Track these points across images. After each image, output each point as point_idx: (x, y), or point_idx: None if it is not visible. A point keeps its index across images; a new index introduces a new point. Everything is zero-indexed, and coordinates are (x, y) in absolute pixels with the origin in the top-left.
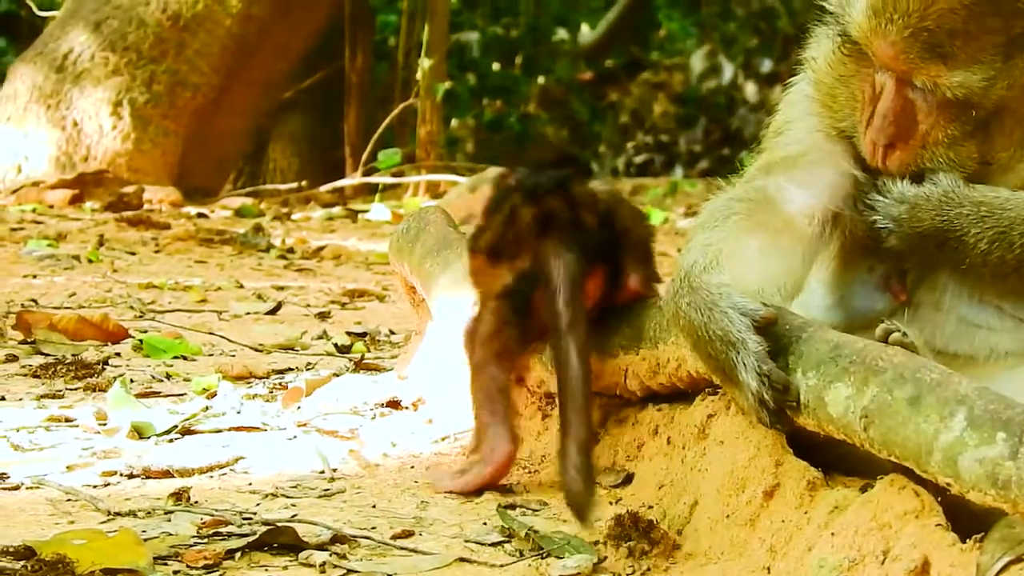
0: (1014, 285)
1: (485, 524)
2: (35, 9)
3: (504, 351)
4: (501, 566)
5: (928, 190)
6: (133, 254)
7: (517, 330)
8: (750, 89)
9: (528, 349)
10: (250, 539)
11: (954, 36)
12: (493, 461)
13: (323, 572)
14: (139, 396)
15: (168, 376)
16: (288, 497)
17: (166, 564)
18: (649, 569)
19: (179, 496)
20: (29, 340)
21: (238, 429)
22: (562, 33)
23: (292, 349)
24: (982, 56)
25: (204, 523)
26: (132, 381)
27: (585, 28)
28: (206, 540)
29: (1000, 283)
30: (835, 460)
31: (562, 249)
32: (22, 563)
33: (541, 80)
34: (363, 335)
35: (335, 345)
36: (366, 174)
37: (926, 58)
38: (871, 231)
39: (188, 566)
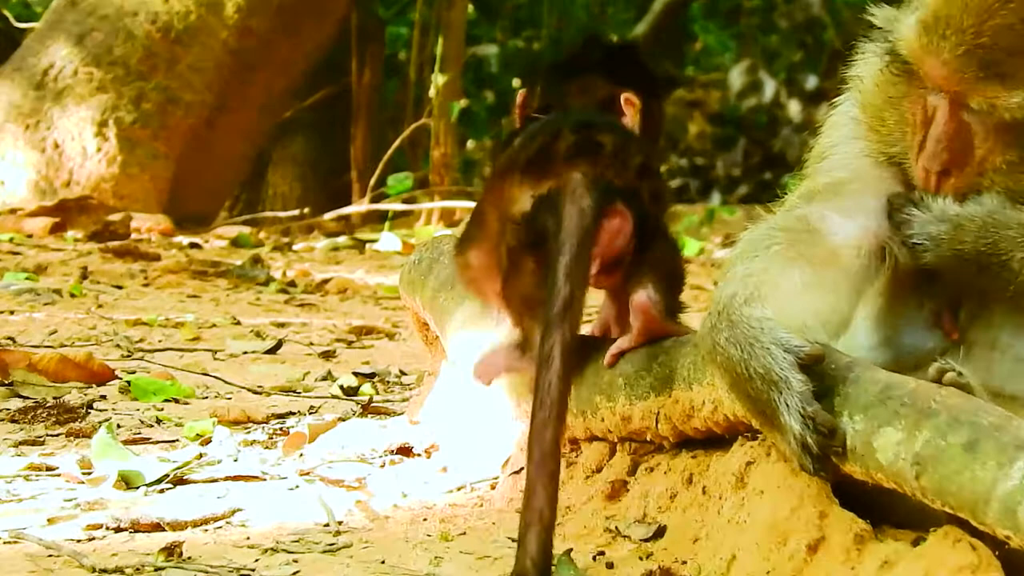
0: None
1: None
2: (12, 21)
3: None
4: None
5: (972, 210)
6: (120, 288)
7: (532, 268)
8: (793, 108)
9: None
10: None
11: (1012, 54)
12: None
13: None
14: (127, 443)
15: (158, 421)
16: (289, 552)
17: None
18: None
19: (171, 551)
20: (6, 382)
21: (235, 478)
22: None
23: (294, 391)
24: None
25: None
26: (119, 426)
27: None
28: None
29: None
30: (884, 511)
31: (583, 188)
32: None
33: None
34: (371, 376)
35: (341, 387)
36: (374, 200)
37: (982, 78)
38: (905, 248)
39: None
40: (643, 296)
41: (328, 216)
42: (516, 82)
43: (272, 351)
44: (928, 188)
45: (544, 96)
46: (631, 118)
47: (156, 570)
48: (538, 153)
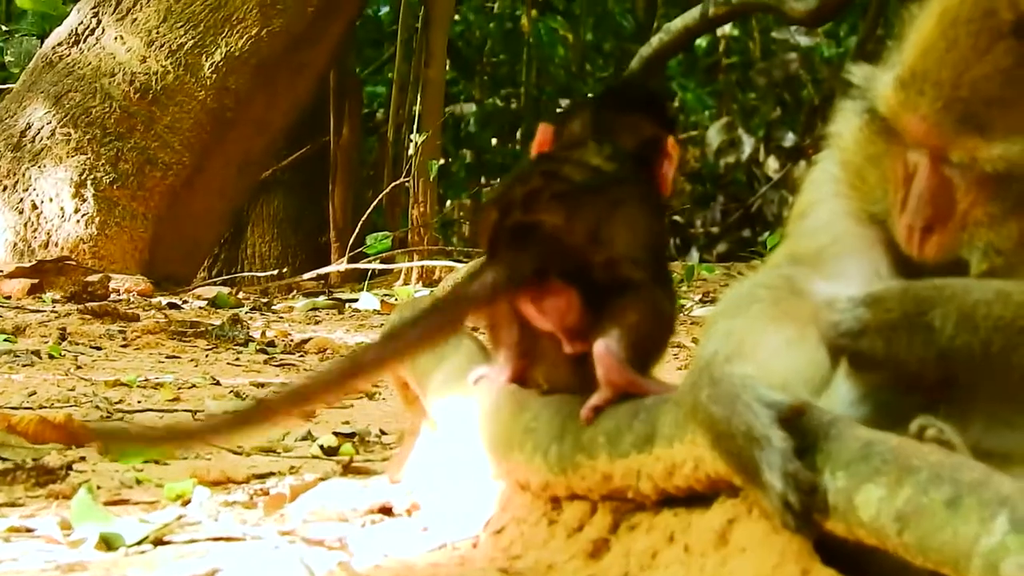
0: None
1: None
2: None
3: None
4: None
5: (887, 284)
6: (99, 349)
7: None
8: (772, 164)
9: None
10: None
11: (990, 105)
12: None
13: None
14: (107, 504)
15: (138, 482)
16: None
17: None
18: None
19: None
20: None
21: (216, 539)
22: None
23: (274, 451)
24: (1022, 125)
25: None
26: (99, 487)
27: None
28: None
29: (972, 379)
30: (867, 567)
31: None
32: None
33: None
34: (351, 436)
35: (321, 447)
36: (353, 260)
37: (962, 131)
38: (839, 345)
39: None
40: (601, 346)
41: (307, 276)
42: (494, 140)
43: None
44: (911, 245)
45: (588, 129)
46: (671, 163)
47: None
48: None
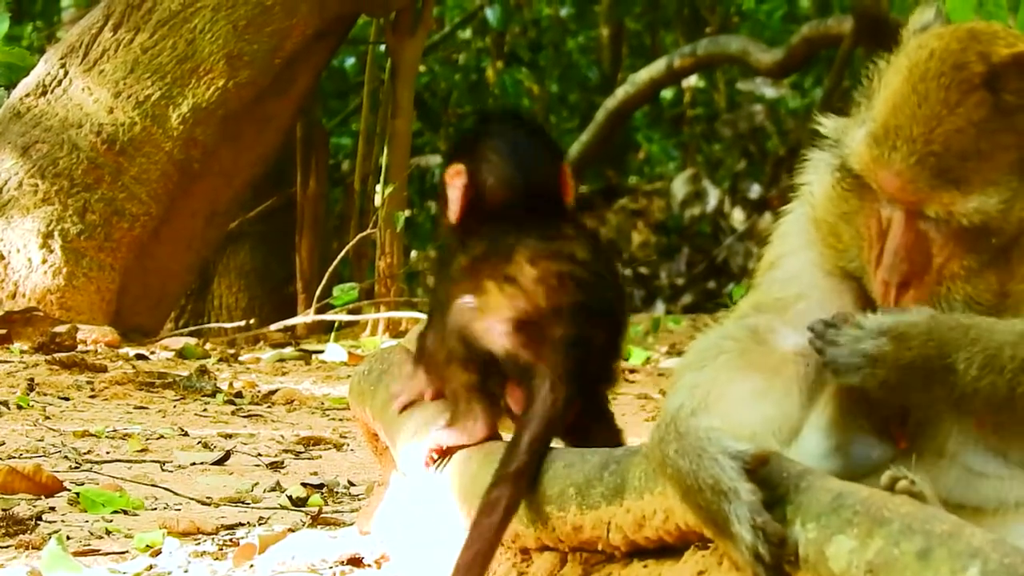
0: (1012, 425)
1: None
2: None
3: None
4: None
5: (914, 317)
6: (67, 399)
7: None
8: (737, 216)
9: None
10: None
11: (964, 158)
12: (473, 435)
13: None
14: (76, 554)
15: (108, 532)
16: None
17: None
18: None
19: None
20: None
21: None
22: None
23: (242, 502)
24: (996, 177)
25: None
26: (69, 538)
27: None
28: None
29: (995, 418)
30: None
31: (560, 383)
32: None
33: None
34: (320, 487)
35: (289, 498)
36: (320, 311)
37: (936, 185)
38: (830, 371)
39: None
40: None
41: (274, 327)
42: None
43: (220, 462)
44: (887, 301)
45: (510, 181)
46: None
47: None
48: (531, 322)
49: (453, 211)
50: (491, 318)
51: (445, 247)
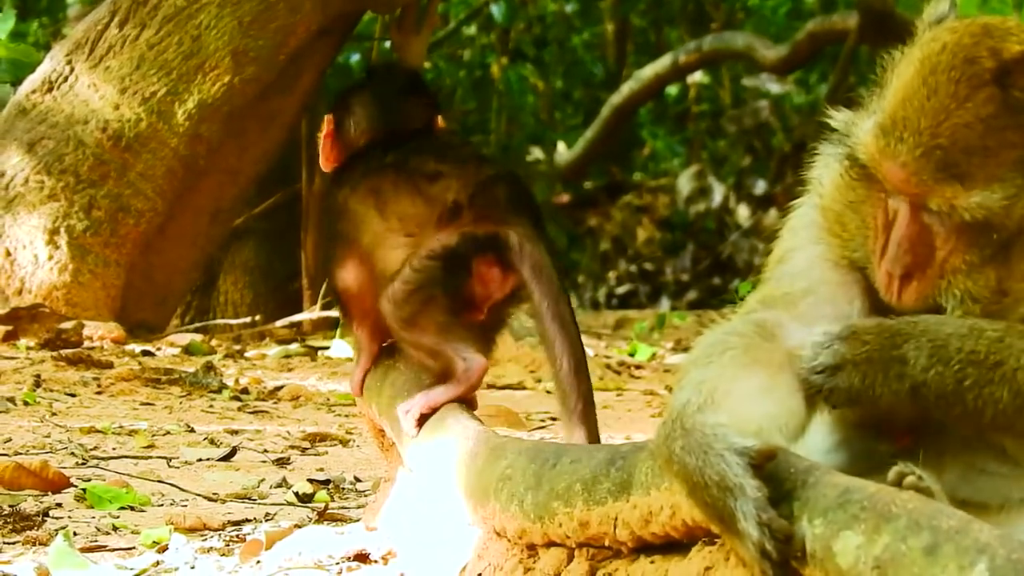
0: (965, 421)
1: None
2: None
3: (431, 321)
4: None
5: (861, 319)
6: (73, 396)
7: (448, 298)
8: (743, 212)
9: (456, 321)
10: None
11: (970, 153)
12: (467, 379)
13: None
14: (84, 550)
15: (115, 528)
16: None
17: None
18: None
19: None
20: None
21: None
22: (537, 152)
23: (249, 498)
24: (1001, 173)
25: None
26: (76, 534)
27: (562, 147)
28: None
29: (948, 414)
30: None
31: (541, 244)
32: None
33: None
34: (326, 483)
35: (296, 493)
36: (325, 307)
37: (940, 179)
38: (817, 381)
39: None
40: None
41: (280, 323)
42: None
43: (226, 458)
44: (891, 292)
45: (379, 116)
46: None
47: None
48: (472, 195)
49: (324, 158)
50: (421, 222)
51: (328, 206)
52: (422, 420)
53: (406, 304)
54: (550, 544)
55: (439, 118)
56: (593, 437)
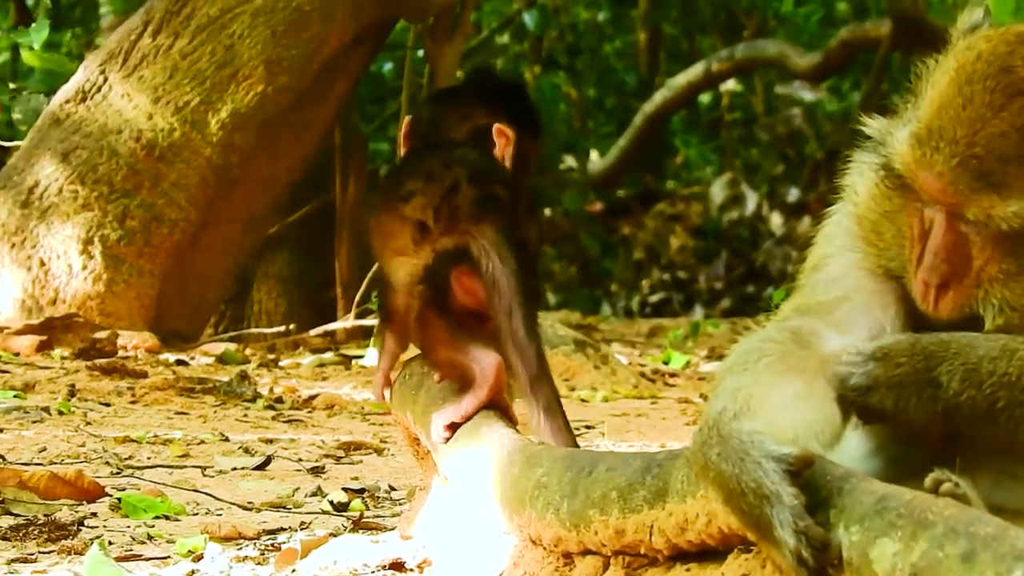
0: (995, 441)
1: None
2: None
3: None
4: None
5: (894, 337)
6: (107, 405)
7: (442, 314)
8: (776, 220)
9: (459, 331)
10: None
11: (1006, 162)
12: (486, 381)
13: None
14: (119, 559)
15: (150, 537)
16: None
17: None
18: None
19: None
20: None
21: None
22: (570, 161)
23: (284, 507)
24: None
25: None
26: (111, 543)
27: (595, 155)
28: None
29: (978, 434)
30: None
31: (504, 249)
32: None
33: (547, 212)
34: (361, 491)
35: (331, 502)
36: (360, 316)
37: (977, 188)
38: (849, 399)
39: None
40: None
41: (314, 332)
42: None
43: (261, 467)
44: (927, 302)
45: (428, 123)
46: (501, 149)
47: None
48: (437, 210)
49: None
50: (405, 241)
51: None
52: (453, 428)
53: (415, 332)
54: (586, 552)
55: (497, 128)
56: (563, 442)
